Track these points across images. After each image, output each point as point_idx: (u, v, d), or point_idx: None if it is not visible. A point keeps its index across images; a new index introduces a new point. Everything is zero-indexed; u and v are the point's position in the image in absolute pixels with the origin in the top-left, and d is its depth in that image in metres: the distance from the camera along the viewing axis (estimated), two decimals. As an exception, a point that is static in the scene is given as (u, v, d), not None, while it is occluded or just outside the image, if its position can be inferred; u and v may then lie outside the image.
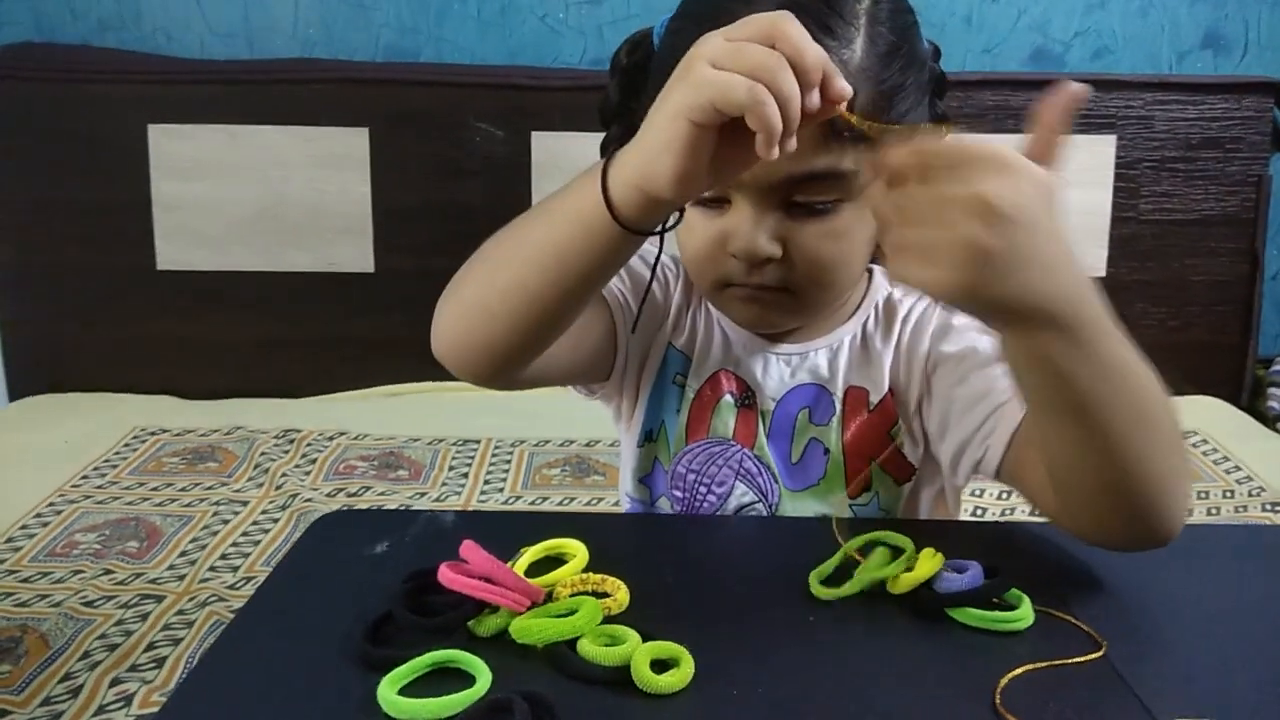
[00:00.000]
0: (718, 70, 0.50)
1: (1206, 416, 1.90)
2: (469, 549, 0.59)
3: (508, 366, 0.67)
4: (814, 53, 0.50)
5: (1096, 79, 1.99)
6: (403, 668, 0.52)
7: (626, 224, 0.57)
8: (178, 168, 1.95)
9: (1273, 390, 2.03)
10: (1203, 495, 1.61)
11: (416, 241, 1.99)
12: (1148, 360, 0.58)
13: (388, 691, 0.50)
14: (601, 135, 0.79)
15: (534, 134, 1.94)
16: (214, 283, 1.98)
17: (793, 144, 0.52)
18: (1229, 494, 1.61)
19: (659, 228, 0.61)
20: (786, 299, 0.71)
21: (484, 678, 0.52)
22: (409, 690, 0.51)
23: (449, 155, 1.96)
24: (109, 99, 1.93)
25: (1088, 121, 1.98)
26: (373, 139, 1.95)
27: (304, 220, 1.97)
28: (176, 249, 1.97)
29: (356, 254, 1.99)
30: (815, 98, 0.51)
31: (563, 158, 1.93)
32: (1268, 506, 1.56)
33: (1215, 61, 2.07)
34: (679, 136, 0.52)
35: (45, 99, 1.93)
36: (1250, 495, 1.60)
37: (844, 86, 0.52)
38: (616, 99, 0.76)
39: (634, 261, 0.78)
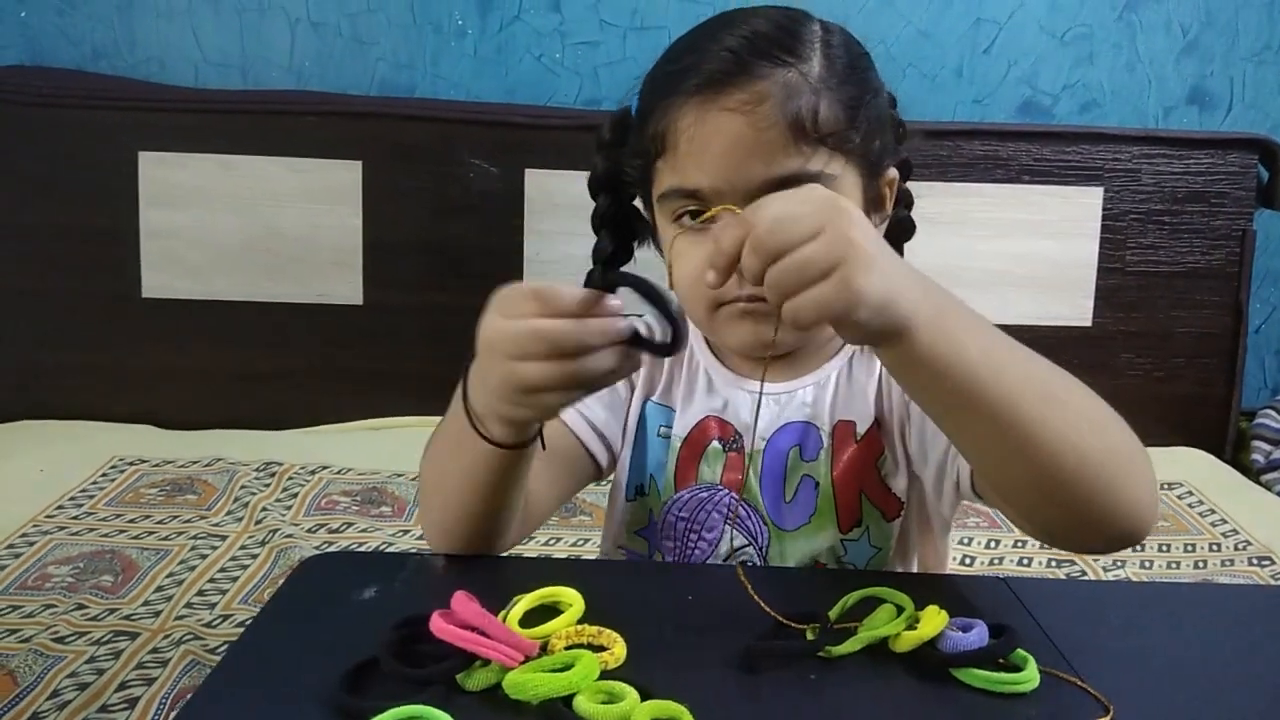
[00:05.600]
0: (527, 383, 0.57)
1: (1191, 468, 1.91)
2: (460, 601, 0.58)
3: (493, 546, 0.74)
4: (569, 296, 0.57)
5: (1084, 131, 2.02)
6: (368, 724, 0.50)
7: (514, 447, 0.65)
8: (167, 196, 1.93)
9: (1256, 443, 2.03)
10: (1189, 548, 1.61)
11: (407, 276, 1.98)
12: (1125, 406, 0.59)
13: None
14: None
15: (528, 171, 1.95)
16: (199, 312, 1.96)
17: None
18: (1215, 547, 1.61)
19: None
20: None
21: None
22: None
23: (442, 191, 1.96)
24: (100, 125, 1.91)
25: (1076, 173, 2.01)
26: (365, 173, 1.94)
27: (293, 252, 1.96)
28: (162, 277, 1.95)
29: (345, 287, 1.97)
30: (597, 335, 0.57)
31: (557, 195, 1.93)
32: (1254, 560, 1.55)
33: (1201, 117, 2.10)
34: (548, 411, 0.61)
35: (35, 123, 1.91)
36: (1236, 549, 1.60)
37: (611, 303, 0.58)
38: (603, 171, 0.80)
39: None
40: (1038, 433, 0.56)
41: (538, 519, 0.77)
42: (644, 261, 0.85)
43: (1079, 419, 0.58)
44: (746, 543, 0.80)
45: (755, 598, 0.61)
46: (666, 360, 0.83)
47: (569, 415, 0.80)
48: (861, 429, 0.78)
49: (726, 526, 0.80)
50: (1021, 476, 0.59)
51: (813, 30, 0.73)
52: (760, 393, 0.78)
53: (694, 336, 0.83)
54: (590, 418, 0.81)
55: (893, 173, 0.78)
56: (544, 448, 0.70)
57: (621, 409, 0.83)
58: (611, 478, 0.86)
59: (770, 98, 0.68)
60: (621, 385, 0.83)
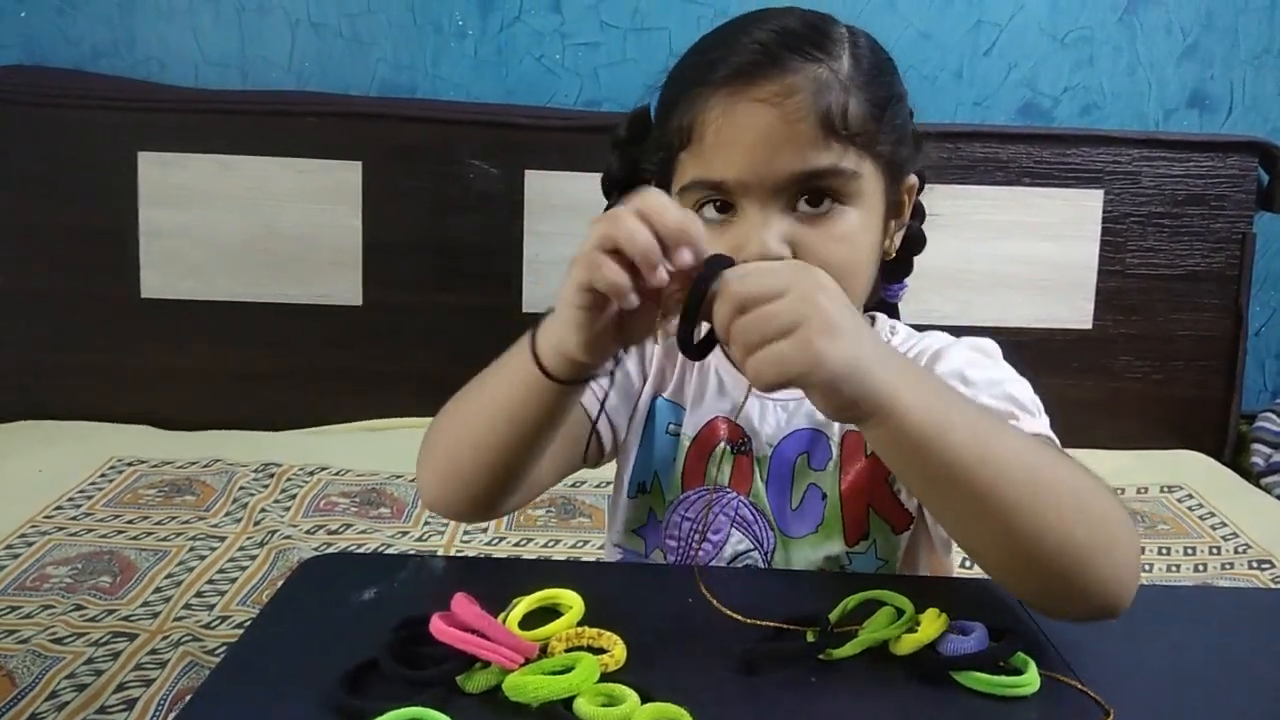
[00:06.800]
0: (591, 251, 0.56)
1: (1190, 471, 1.91)
2: (460, 602, 0.58)
3: (489, 507, 0.73)
4: (674, 216, 0.56)
5: (1084, 134, 2.02)
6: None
7: (559, 381, 0.63)
8: (166, 196, 1.93)
9: (1256, 446, 2.03)
10: (1189, 551, 1.61)
11: (406, 276, 1.98)
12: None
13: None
14: (596, 175, 0.80)
15: (528, 172, 1.95)
16: (199, 312, 1.96)
17: (670, 326, 0.58)
18: (1215, 550, 1.61)
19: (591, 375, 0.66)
20: None
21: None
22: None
23: (442, 191, 1.96)
24: (99, 125, 1.91)
25: (1076, 176, 2.01)
26: (366, 173, 1.94)
27: (293, 252, 1.96)
28: (162, 277, 1.95)
29: (345, 287, 1.97)
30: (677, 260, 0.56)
31: (556, 196, 1.93)
32: (1254, 564, 1.55)
33: (1201, 120, 2.10)
34: (575, 318, 0.58)
35: (35, 123, 1.91)
36: (1236, 552, 1.60)
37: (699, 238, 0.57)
38: (618, 171, 0.80)
39: None
40: (1020, 514, 0.57)
41: (537, 489, 0.75)
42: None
43: (1062, 498, 0.58)
44: (752, 547, 0.79)
45: (716, 603, 0.61)
46: (678, 358, 0.83)
47: (586, 396, 0.78)
48: None
49: (732, 530, 0.79)
50: (1001, 553, 0.60)
51: (840, 31, 0.73)
52: (742, 404, 0.77)
53: None
54: (601, 399, 0.80)
55: (913, 179, 0.78)
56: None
57: (631, 399, 0.82)
58: (614, 470, 0.86)
59: (801, 91, 0.68)
60: (635, 374, 0.82)
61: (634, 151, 0.78)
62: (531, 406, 0.65)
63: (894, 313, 0.88)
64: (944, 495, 0.59)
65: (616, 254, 0.55)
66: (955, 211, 1.96)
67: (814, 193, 0.70)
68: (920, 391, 0.56)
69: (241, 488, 1.68)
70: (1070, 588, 0.59)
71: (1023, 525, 0.57)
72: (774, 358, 0.53)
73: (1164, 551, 1.60)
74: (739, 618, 0.60)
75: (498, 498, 0.71)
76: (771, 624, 0.60)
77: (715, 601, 0.61)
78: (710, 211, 0.72)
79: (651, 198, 0.57)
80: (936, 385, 0.58)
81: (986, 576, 0.63)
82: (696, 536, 0.80)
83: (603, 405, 0.79)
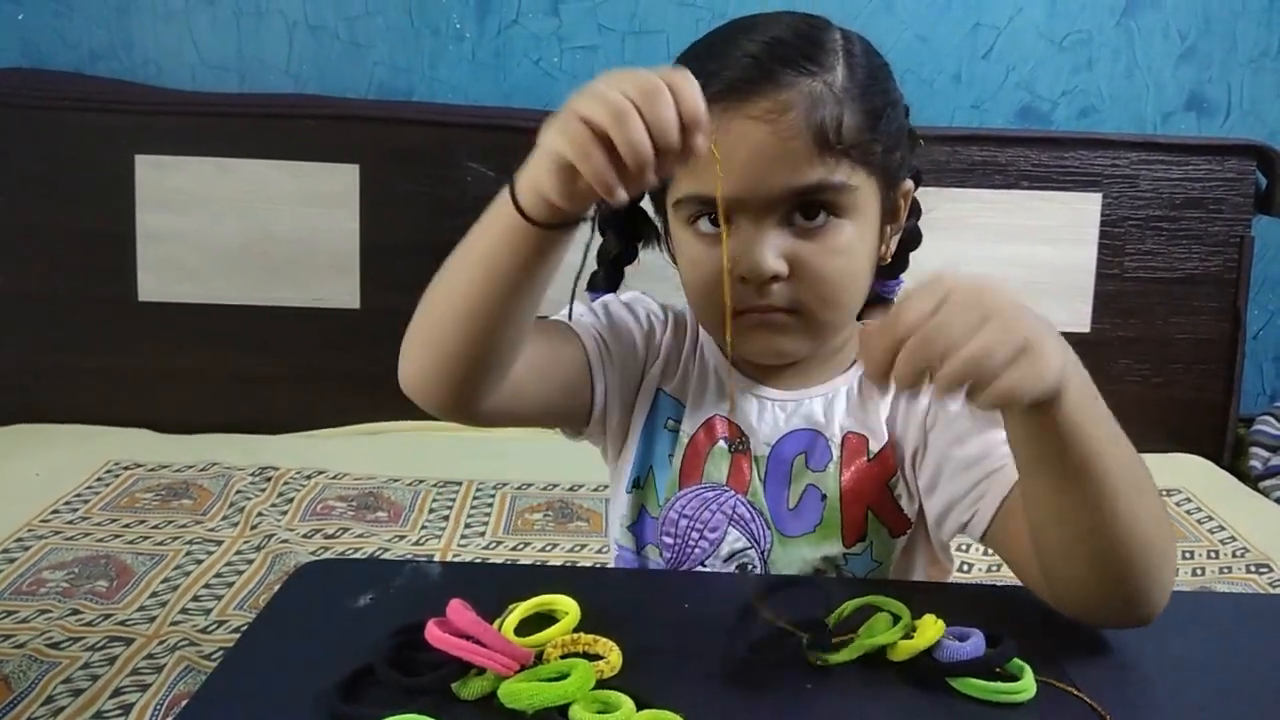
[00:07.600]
0: (577, 121, 0.55)
1: (1189, 475, 1.90)
2: (455, 609, 0.58)
3: (469, 390, 0.68)
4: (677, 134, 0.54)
5: (1082, 137, 2.02)
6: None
7: (535, 222, 0.60)
8: (164, 199, 1.93)
9: (1254, 449, 2.03)
10: (1187, 555, 1.60)
11: (404, 279, 1.94)
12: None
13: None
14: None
15: (525, 176, 1.94)
16: (196, 316, 1.96)
17: (649, 179, 0.56)
18: (1213, 554, 1.60)
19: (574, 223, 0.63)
20: (796, 322, 0.73)
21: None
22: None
23: (439, 194, 1.95)
24: (96, 128, 1.91)
25: (1074, 179, 2.01)
26: (363, 176, 1.94)
27: (290, 255, 1.96)
28: (159, 281, 1.95)
29: (342, 290, 1.97)
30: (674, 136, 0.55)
31: (554, 200, 1.93)
32: (1252, 568, 1.55)
33: (1199, 123, 2.10)
34: (551, 168, 0.57)
35: (32, 126, 1.91)
36: (1235, 556, 1.59)
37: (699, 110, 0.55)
38: None
39: (615, 307, 0.81)
40: (1121, 515, 0.58)
41: (519, 394, 0.71)
42: (649, 263, 0.84)
43: (1150, 509, 0.59)
44: (749, 545, 0.79)
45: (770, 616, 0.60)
46: (683, 354, 0.83)
47: (589, 341, 0.77)
48: (875, 446, 0.78)
49: (729, 528, 0.79)
50: (1087, 550, 0.60)
51: (834, 39, 0.73)
52: (731, 410, 0.76)
53: (705, 334, 0.83)
54: (606, 365, 0.79)
55: (909, 184, 0.78)
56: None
57: (631, 373, 0.81)
58: (609, 473, 0.85)
59: (795, 107, 0.68)
60: (641, 349, 0.81)
61: None
62: (507, 252, 0.62)
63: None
64: (1071, 486, 0.58)
65: (608, 141, 0.54)
66: (953, 215, 1.96)
67: (809, 207, 0.70)
68: (1080, 378, 0.57)
69: (238, 491, 1.67)
70: (1126, 594, 0.60)
71: (1120, 526, 0.58)
72: (1009, 387, 0.52)
73: (1162, 555, 1.59)
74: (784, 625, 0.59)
75: (476, 378, 0.67)
76: (767, 629, 0.60)
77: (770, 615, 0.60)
78: (705, 225, 0.72)
79: (661, 104, 0.54)
80: (1083, 370, 0.58)
81: (982, 582, 0.63)
82: (694, 534, 0.80)
83: (605, 371, 0.78)
